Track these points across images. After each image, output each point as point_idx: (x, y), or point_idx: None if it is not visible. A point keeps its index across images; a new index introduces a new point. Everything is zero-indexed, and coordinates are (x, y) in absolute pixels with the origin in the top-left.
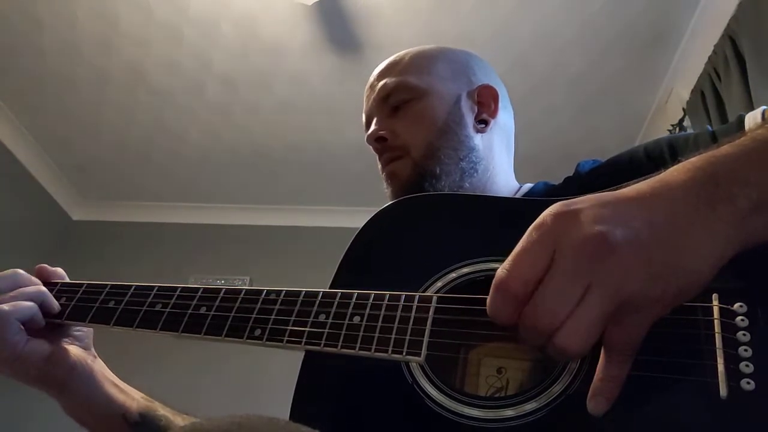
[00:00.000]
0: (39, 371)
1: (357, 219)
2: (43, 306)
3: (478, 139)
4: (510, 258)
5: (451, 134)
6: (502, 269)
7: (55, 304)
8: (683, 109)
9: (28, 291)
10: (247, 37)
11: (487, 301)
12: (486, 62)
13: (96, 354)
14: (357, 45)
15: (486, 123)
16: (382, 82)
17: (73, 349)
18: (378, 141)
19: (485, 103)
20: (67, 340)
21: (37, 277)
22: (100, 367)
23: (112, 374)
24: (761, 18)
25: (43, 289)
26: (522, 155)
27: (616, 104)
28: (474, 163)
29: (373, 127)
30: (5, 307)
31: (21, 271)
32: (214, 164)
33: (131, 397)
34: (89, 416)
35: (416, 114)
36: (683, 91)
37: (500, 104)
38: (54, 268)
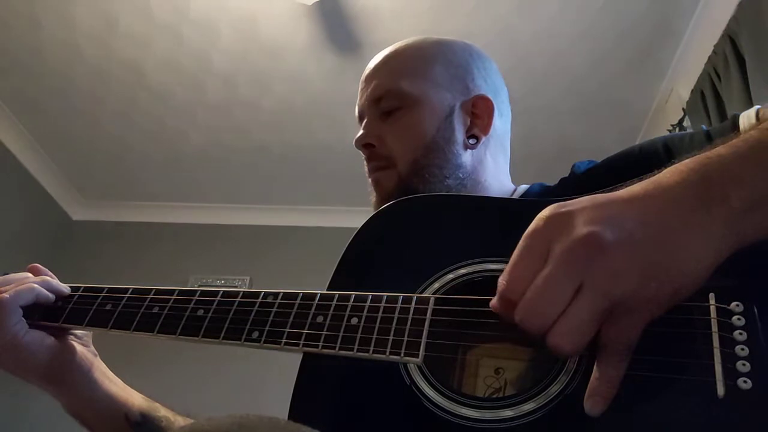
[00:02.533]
0: (40, 364)
1: (357, 219)
2: (50, 289)
3: (466, 156)
4: (507, 267)
5: (438, 151)
6: (501, 278)
7: (63, 286)
8: (683, 109)
9: (32, 277)
10: (247, 38)
11: (496, 308)
12: (487, 59)
13: (96, 352)
14: (357, 45)
15: (477, 139)
16: (375, 82)
17: (75, 346)
18: (365, 147)
19: (479, 115)
20: (68, 337)
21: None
22: (100, 366)
23: (113, 374)
24: (761, 18)
25: (47, 278)
26: (521, 155)
27: (616, 104)
28: (461, 179)
29: (361, 131)
30: (6, 295)
31: (13, 274)
32: (214, 164)
33: (133, 395)
34: (91, 415)
35: (405, 126)
36: (683, 91)
37: (496, 113)
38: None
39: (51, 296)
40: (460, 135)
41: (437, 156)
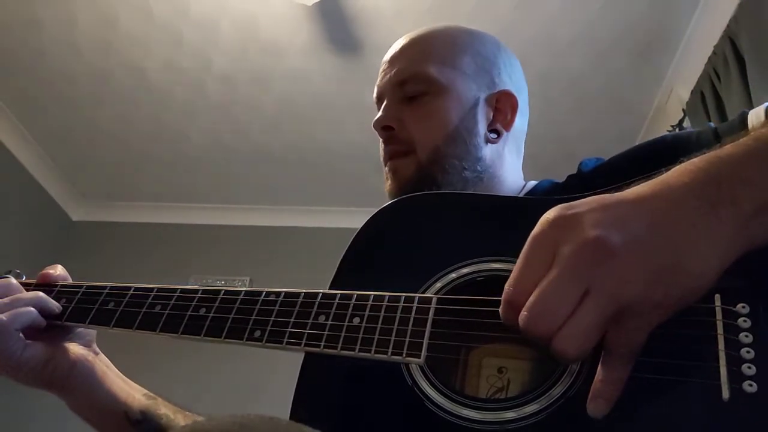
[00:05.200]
0: (39, 374)
1: (357, 219)
2: (43, 310)
3: (486, 150)
4: (514, 272)
5: (460, 142)
6: (508, 285)
7: (55, 305)
8: (683, 109)
9: (25, 297)
10: (247, 37)
11: (501, 314)
12: (514, 57)
13: (98, 350)
14: (357, 45)
15: (498, 134)
16: (401, 64)
17: (74, 348)
18: (384, 129)
19: (502, 110)
20: (67, 338)
21: (41, 281)
22: (102, 364)
23: (116, 370)
24: (761, 18)
25: (40, 293)
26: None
27: (616, 104)
28: (479, 173)
29: (381, 112)
30: (3, 317)
31: (12, 280)
32: (214, 164)
33: (133, 394)
34: (91, 414)
35: (430, 112)
36: (683, 92)
37: (518, 111)
38: (54, 268)
39: (44, 322)
40: (482, 128)
41: (459, 147)
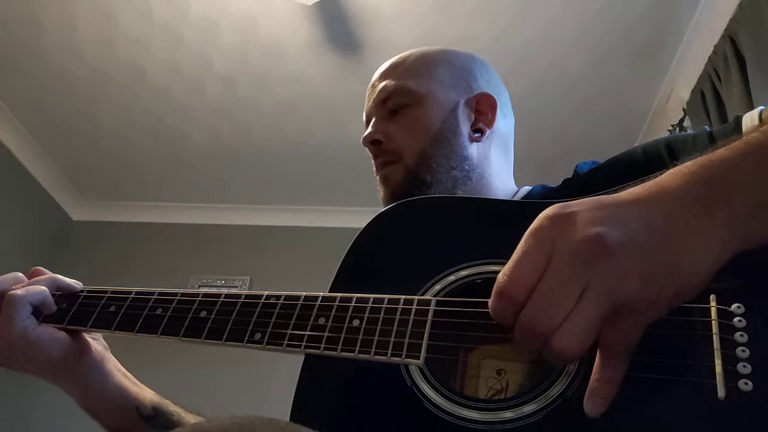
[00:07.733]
0: (52, 358)
1: (357, 219)
2: (60, 288)
3: (472, 148)
4: (509, 263)
5: (445, 142)
6: (502, 275)
7: (72, 282)
8: (683, 109)
9: (40, 278)
10: (247, 38)
11: (489, 306)
12: (489, 66)
13: (106, 345)
14: (357, 45)
15: (482, 132)
16: (382, 84)
17: (87, 338)
18: (373, 144)
19: (483, 111)
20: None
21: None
22: (112, 359)
23: (123, 368)
24: (761, 18)
25: (57, 275)
26: (521, 156)
27: (616, 104)
28: (467, 172)
29: (369, 129)
30: (18, 291)
31: (21, 275)
32: (214, 164)
33: (144, 390)
34: (102, 407)
35: (412, 120)
36: (683, 91)
37: (499, 112)
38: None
39: (54, 306)
40: (465, 128)
41: (444, 146)
